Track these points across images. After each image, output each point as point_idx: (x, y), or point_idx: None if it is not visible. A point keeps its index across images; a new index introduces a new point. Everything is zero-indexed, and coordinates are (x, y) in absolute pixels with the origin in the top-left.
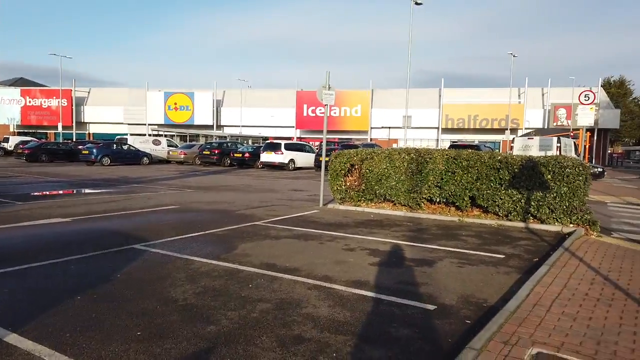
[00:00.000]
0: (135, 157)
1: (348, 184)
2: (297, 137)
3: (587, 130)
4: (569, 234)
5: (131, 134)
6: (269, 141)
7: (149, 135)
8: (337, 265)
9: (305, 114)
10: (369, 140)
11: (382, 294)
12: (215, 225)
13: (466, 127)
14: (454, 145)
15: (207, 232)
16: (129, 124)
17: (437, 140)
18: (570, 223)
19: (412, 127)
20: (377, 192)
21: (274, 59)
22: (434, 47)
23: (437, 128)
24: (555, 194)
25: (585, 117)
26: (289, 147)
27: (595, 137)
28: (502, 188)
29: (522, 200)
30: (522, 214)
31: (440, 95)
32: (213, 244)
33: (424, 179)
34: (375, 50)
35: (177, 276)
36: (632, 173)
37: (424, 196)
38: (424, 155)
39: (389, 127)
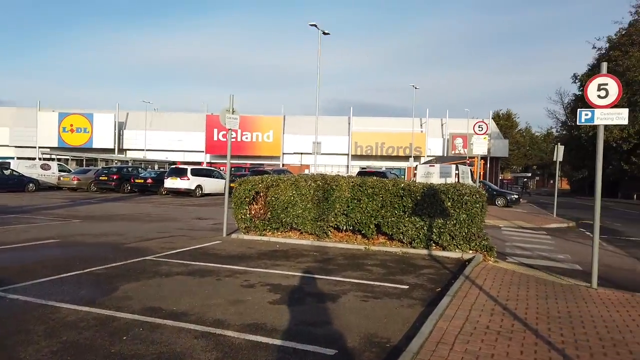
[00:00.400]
0: (19, 183)
1: (253, 212)
2: (207, 163)
3: (481, 158)
4: (469, 260)
5: (18, 158)
6: (174, 166)
7: (39, 159)
8: (232, 305)
9: (215, 138)
10: (281, 166)
11: (279, 339)
12: (98, 262)
13: (374, 154)
14: (362, 172)
15: (85, 270)
16: (15, 147)
17: (347, 166)
18: (470, 249)
19: (323, 154)
20: (284, 220)
21: (183, 82)
22: (344, 77)
23: (347, 155)
24: (455, 221)
25: (480, 146)
26: (196, 173)
27: (488, 165)
28: (406, 215)
29: (425, 228)
30: (425, 241)
31: (349, 123)
32: (89, 286)
33: (331, 206)
34: (287, 77)
35: (33, 330)
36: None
37: (331, 224)
38: (330, 183)
39: (301, 153)
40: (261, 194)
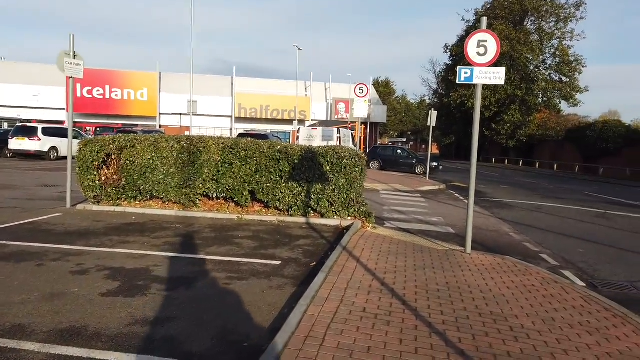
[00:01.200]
0: None
1: (104, 178)
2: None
3: (362, 123)
4: (347, 228)
5: None
6: (20, 124)
7: None
8: (48, 302)
9: (79, 94)
10: (158, 127)
11: (98, 349)
12: None
13: (259, 117)
14: (243, 135)
15: None
16: None
17: (231, 129)
18: (348, 216)
19: (205, 115)
20: (142, 187)
21: (39, 30)
22: (227, 38)
23: (231, 117)
24: (334, 187)
25: (361, 110)
26: (49, 132)
27: (368, 130)
28: (283, 181)
29: (303, 194)
30: (303, 209)
31: (232, 84)
32: None
33: (198, 171)
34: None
35: None
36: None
37: (199, 192)
38: (197, 144)
39: (180, 114)
40: (113, 157)
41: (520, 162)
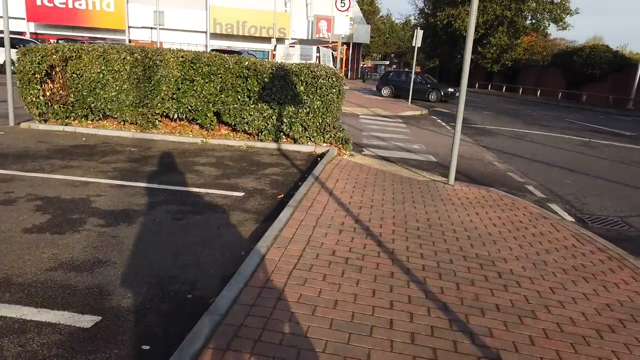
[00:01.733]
0: None
1: (49, 93)
2: (31, 33)
3: (343, 43)
4: (322, 155)
5: None
6: None
7: None
8: None
9: (39, 2)
10: (127, 42)
11: (6, 303)
12: None
13: (235, 33)
14: (215, 51)
15: None
16: None
17: (206, 45)
18: (324, 142)
19: (177, 30)
20: (93, 105)
21: None
22: None
23: (205, 32)
24: (308, 109)
25: (342, 26)
26: None
27: (350, 51)
28: (252, 102)
29: (274, 117)
30: (274, 133)
31: None
32: None
33: (156, 88)
34: None
35: None
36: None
37: (158, 111)
38: (152, 57)
39: (151, 28)
40: (58, 70)
41: (504, 88)
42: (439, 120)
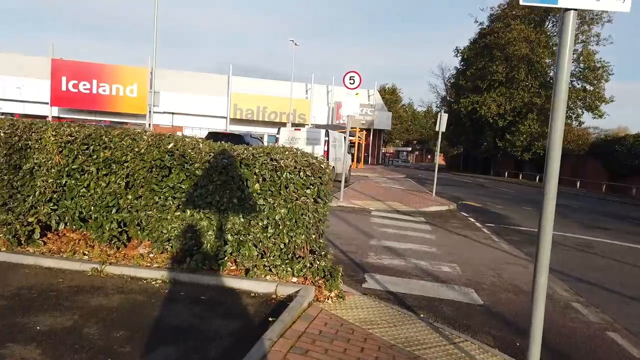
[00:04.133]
0: None
1: None
2: (53, 117)
3: (364, 129)
4: (288, 299)
5: None
6: None
7: None
8: None
9: (64, 87)
10: (147, 126)
11: None
12: None
13: (255, 118)
14: (212, 134)
15: None
16: None
17: (225, 130)
18: (294, 276)
19: (199, 115)
20: None
21: (19, 19)
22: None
23: (226, 117)
24: (266, 221)
25: (351, 105)
26: None
27: (371, 137)
28: (176, 206)
29: (212, 232)
30: (212, 258)
31: (229, 82)
32: None
33: (27, 183)
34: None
35: None
36: (400, 172)
37: (31, 219)
38: (23, 136)
39: (172, 113)
40: None
41: (537, 178)
42: (472, 220)
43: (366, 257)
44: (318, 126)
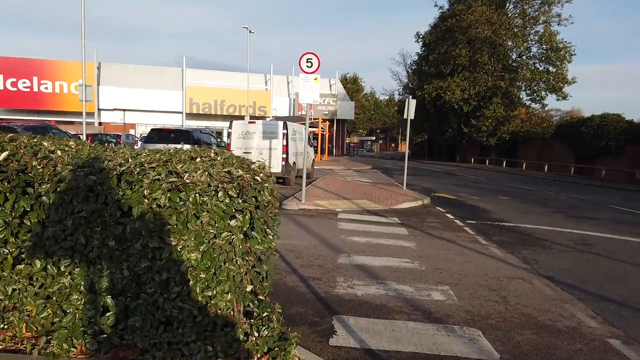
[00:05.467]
0: None
1: None
2: None
3: (327, 120)
4: None
5: None
6: None
7: None
8: None
9: (1, 86)
10: (96, 125)
11: None
12: None
13: (213, 112)
14: (155, 130)
15: None
16: None
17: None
18: (217, 358)
19: (152, 111)
20: None
21: None
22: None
23: (182, 112)
24: (167, 275)
25: (310, 92)
26: None
27: (334, 128)
28: (14, 256)
29: (77, 296)
30: (82, 336)
31: (183, 76)
32: None
33: None
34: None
35: None
36: (365, 163)
37: None
38: None
39: (124, 110)
40: None
41: (504, 163)
42: (450, 217)
43: (334, 285)
44: (279, 118)
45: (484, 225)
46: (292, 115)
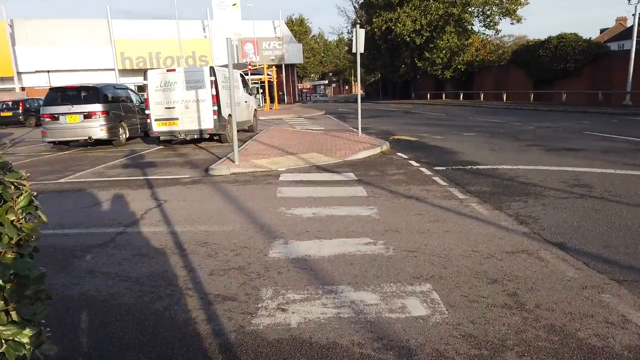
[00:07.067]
0: None
1: None
2: None
3: (274, 65)
4: None
5: None
6: None
7: None
8: None
9: None
10: (17, 90)
11: None
12: None
13: (149, 67)
14: (55, 90)
15: None
16: None
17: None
18: None
19: (82, 70)
20: None
21: None
22: None
23: (114, 70)
24: None
25: (228, 20)
26: None
27: (283, 74)
28: None
29: None
30: None
31: (109, 28)
32: None
33: None
34: None
35: None
36: (318, 108)
37: None
38: None
39: (48, 71)
40: None
41: (461, 96)
42: (415, 164)
43: (255, 309)
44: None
45: (455, 171)
46: (236, 62)
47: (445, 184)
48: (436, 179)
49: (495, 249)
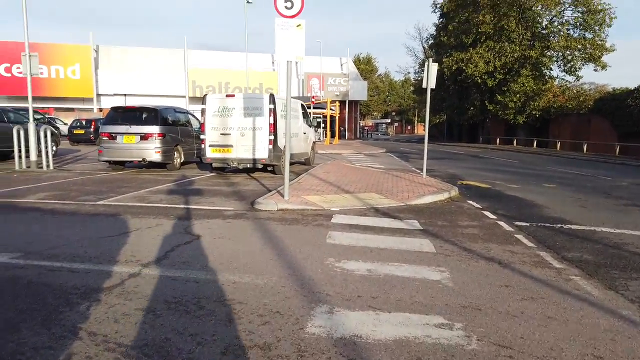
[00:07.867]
0: None
1: None
2: None
3: (338, 101)
4: None
5: None
6: None
7: None
8: None
9: None
10: (95, 111)
11: None
12: None
13: None
14: (116, 109)
15: None
16: None
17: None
18: None
19: (155, 95)
20: None
21: None
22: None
23: (185, 97)
24: None
25: (291, 43)
26: None
27: (346, 110)
28: None
29: None
30: None
31: (185, 57)
32: None
33: None
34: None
35: None
36: (379, 146)
37: None
38: None
39: (124, 95)
40: None
41: (534, 143)
42: (491, 216)
43: None
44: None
45: (542, 229)
46: (302, 95)
47: (532, 245)
48: (519, 237)
49: (623, 354)
